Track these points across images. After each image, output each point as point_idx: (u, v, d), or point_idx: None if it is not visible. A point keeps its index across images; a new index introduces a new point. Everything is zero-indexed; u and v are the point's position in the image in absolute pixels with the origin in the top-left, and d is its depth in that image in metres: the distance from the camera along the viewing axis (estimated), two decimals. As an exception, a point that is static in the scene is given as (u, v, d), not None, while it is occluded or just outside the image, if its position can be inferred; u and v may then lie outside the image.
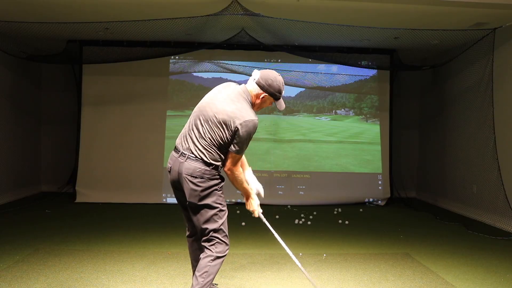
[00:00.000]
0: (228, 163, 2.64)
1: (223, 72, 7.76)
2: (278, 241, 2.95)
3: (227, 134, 2.58)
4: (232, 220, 5.10)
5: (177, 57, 7.79)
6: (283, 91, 2.70)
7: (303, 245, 4.80)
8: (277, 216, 6.35)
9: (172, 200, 7.38)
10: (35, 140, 8.18)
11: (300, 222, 6.08)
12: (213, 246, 2.63)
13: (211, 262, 2.60)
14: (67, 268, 3.81)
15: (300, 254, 4.40)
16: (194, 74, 7.88)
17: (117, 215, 6.35)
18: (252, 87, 2.69)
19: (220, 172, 2.70)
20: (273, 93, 2.67)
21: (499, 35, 5.89)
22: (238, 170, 2.69)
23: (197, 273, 2.60)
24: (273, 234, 2.94)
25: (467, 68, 6.69)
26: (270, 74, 2.67)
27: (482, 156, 6.27)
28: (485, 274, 3.96)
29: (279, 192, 7.68)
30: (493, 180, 5.97)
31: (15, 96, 7.35)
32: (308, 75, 7.89)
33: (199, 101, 2.77)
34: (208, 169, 2.61)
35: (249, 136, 2.58)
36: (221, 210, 2.66)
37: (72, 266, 3.85)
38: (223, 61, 7.70)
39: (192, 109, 2.79)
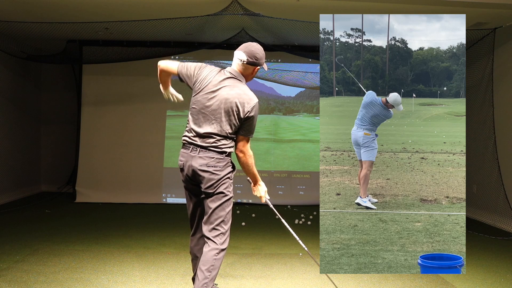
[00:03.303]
0: (240, 145, 2.71)
1: (223, 72, 7.74)
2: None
3: (236, 120, 2.65)
4: (232, 220, 5.12)
5: (177, 57, 7.78)
6: None
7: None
8: (277, 216, 6.34)
9: (172, 200, 7.38)
10: (35, 140, 8.17)
11: (300, 222, 6.07)
12: (217, 238, 2.67)
13: (216, 256, 2.63)
14: (67, 268, 3.81)
15: (300, 254, 4.40)
16: (194, 74, 7.86)
17: (117, 215, 6.35)
18: (242, 67, 2.73)
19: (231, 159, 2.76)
20: (263, 62, 2.77)
21: (499, 35, 5.89)
22: (249, 152, 2.74)
23: (203, 267, 2.59)
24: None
25: (467, 68, 6.69)
26: (252, 48, 2.71)
27: (482, 156, 6.27)
28: (485, 274, 3.96)
29: (279, 192, 7.68)
30: (493, 180, 5.96)
31: (15, 96, 7.35)
32: (308, 75, 7.88)
33: None
34: (222, 157, 2.67)
35: (257, 116, 2.69)
36: (230, 198, 2.75)
37: (72, 266, 3.85)
38: (223, 61, 7.69)
39: None
